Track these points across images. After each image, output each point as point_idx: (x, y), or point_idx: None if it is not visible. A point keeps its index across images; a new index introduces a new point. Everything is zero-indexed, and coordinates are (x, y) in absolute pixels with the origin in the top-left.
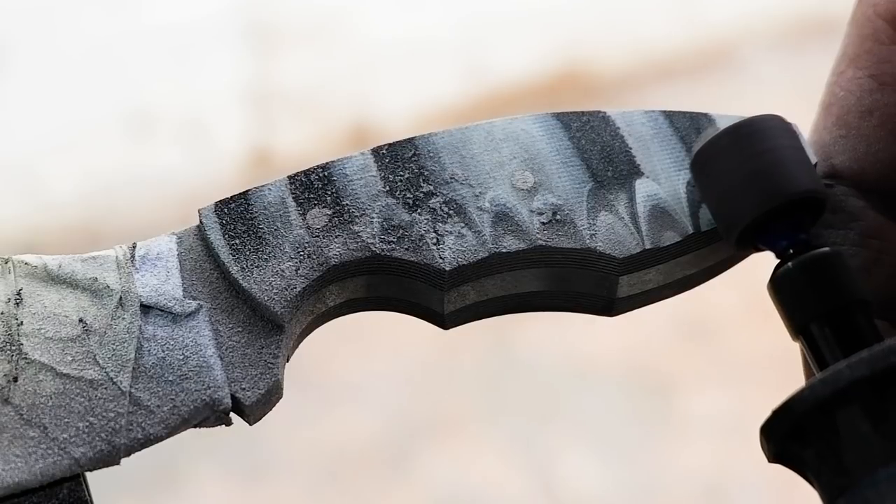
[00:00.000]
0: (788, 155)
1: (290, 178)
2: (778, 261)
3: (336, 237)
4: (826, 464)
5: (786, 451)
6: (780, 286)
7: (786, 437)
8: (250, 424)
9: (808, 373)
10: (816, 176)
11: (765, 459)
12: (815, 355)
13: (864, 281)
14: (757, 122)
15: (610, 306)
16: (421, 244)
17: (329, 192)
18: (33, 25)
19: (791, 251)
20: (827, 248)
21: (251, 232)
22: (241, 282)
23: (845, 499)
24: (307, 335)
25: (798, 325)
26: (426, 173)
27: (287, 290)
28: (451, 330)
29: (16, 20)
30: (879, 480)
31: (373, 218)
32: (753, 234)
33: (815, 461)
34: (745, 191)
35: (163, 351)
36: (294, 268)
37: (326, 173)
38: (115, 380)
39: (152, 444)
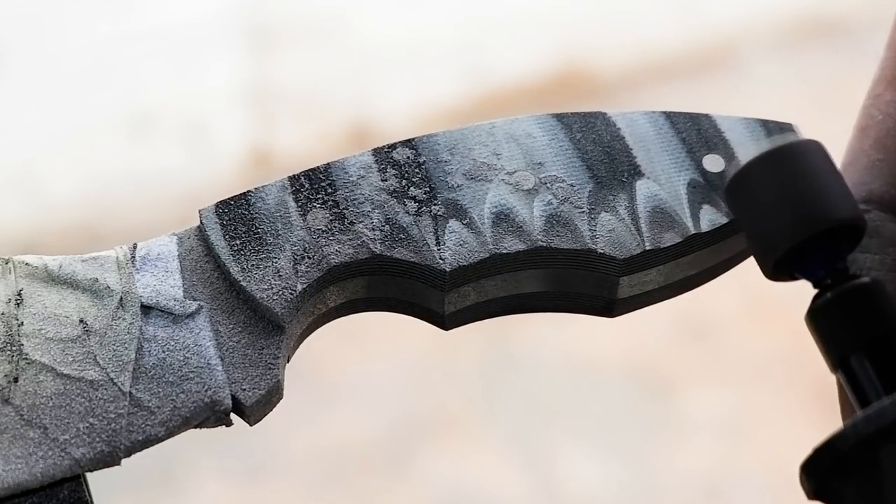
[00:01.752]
0: (826, 181)
1: (290, 178)
2: (815, 291)
3: (336, 238)
4: (868, 500)
5: (826, 489)
6: (818, 317)
7: (827, 474)
8: (250, 425)
9: (845, 404)
10: (854, 202)
11: (765, 459)
12: (855, 389)
13: None
14: (794, 147)
15: (610, 307)
16: (421, 245)
17: (330, 193)
18: (33, 26)
19: (829, 281)
20: (867, 278)
21: (252, 232)
22: (241, 282)
23: None
24: (308, 336)
25: (838, 357)
26: (426, 174)
27: (287, 290)
28: (451, 330)
29: (16, 20)
30: None
31: (373, 219)
32: (790, 262)
33: (857, 498)
34: (782, 218)
35: (163, 351)
36: (294, 268)
37: (327, 174)
38: (115, 380)
39: (153, 445)
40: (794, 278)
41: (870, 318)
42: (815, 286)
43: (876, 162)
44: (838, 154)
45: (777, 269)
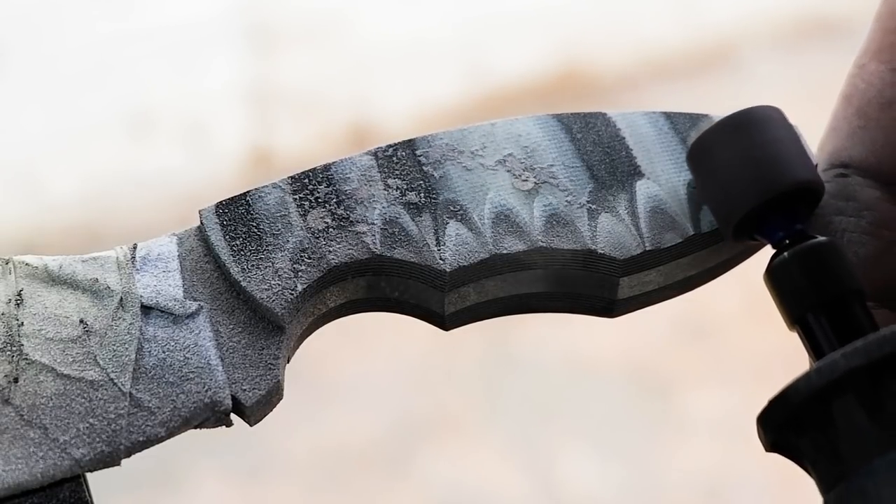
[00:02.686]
0: (785, 145)
1: (290, 178)
2: (774, 251)
3: (337, 238)
4: (822, 453)
5: (782, 441)
6: (776, 276)
7: (782, 426)
8: (251, 425)
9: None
10: (812, 166)
11: (765, 459)
12: (812, 345)
13: (873, 269)
14: (752, 113)
15: (610, 307)
16: (421, 245)
17: (330, 193)
18: (33, 26)
19: (787, 241)
20: (823, 238)
21: (252, 233)
22: (241, 283)
23: (841, 488)
24: (308, 336)
25: (794, 315)
26: (426, 174)
27: (288, 291)
28: (451, 330)
29: (16, 20)
30: (875, 469)
31: (373, 219)
32: (750, 225)
33: (812, 450)
34: (742, 181)
35: (163, 352)
36: (295, 269)
37: (327, 174)
38: (115, 381)
39: (153, 445)
40: (754, 240)
41: (826, 275)
42: (773, 248)
43: (857, 129)
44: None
45: (737, 232)
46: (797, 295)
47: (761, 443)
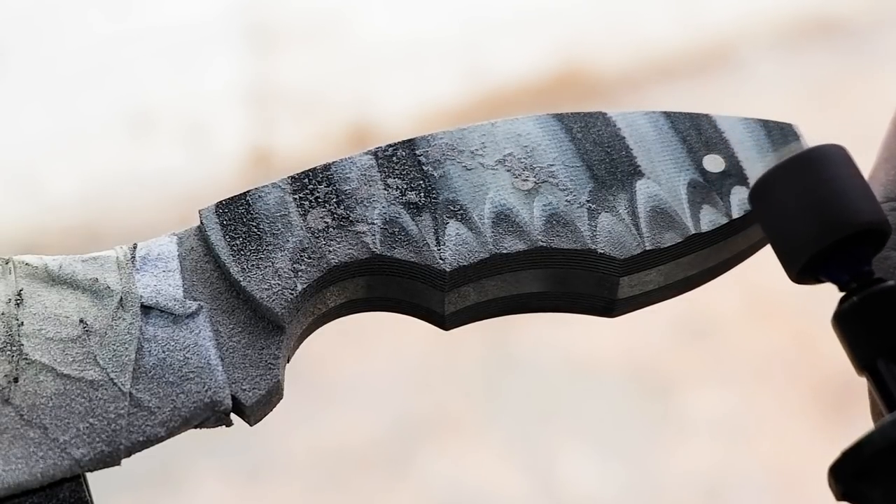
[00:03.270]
0: (850, 185)
1: (290, 178)
2: (841, 294)
3: (337, 238)
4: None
5: (854, 492)
6: (844, 320)
7: (855, 477)
8: (251, 425)
9: (874, 407)
10: (879, 206)
11: (765, 459)
12: (882, 392)
13: None
14: (817, 152)
15: (610, 307)
16: (421, 245)
17: (330, 193)
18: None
19: (854, 284)
20: (892, 282)
21: (252, 233)
22: (241, 282)
23: None
24: (308, 336)
25: (864, 360)
26: (426, 174)
27: (288, 290)
28: (451, 330)
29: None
30: None
31: (373, 219)
32: (816, 266)
33: (885, 501)
34: (808, 223)
35: (163, 352)
36: (294, 269)
37: (327, 174)
38: (115, 380)
39: (153, 445)
40: (819, 281)
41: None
42: (840, 290)
43: None
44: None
45: (802, 274)
46: (867, 340)
47: (832, 492)
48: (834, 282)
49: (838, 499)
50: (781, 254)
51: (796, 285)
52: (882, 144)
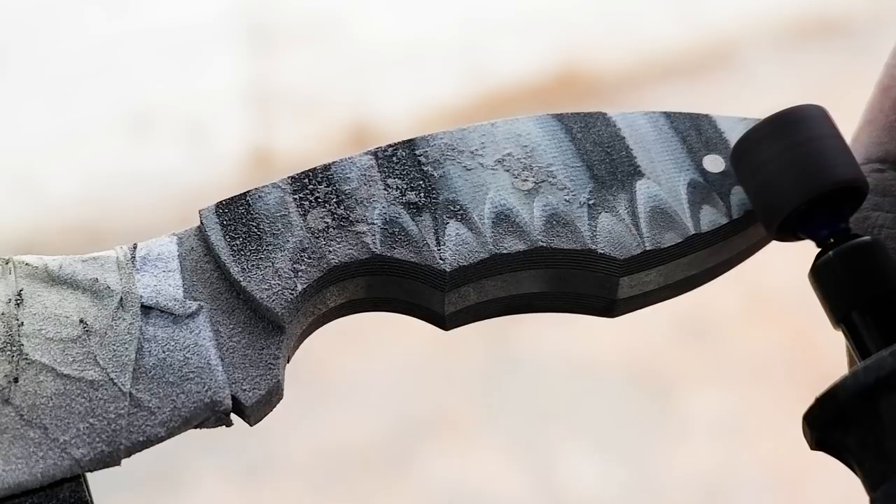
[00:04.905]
0: (829, 144)
1: (290, 178)
2: (819, 249)
3: (337, 238)
4: (868, 451)
5: (828, 439)
6: (821, 274)
7: (828, 424)
8: (251, 425)
9: (851, 361)
10: (856, 165)
11: (765, 459)
12: (857, 343)
13: None
14: (797, 112)
15: (610, 307)
16: (421, 245)
17: (330, 193)
18: (33, 25)
19: (832, 240)
20: (868, 237)
21: (252, 233)
22: (241, 282)
23: (888, 485)
24: (308, 336)
25: (839, 313)
26: (426, 174)
27: (288, 290)
28: (451, 330)
29: (16, 20)
30: None
31: (373, 219)
32: (794, 223)
33: (858, 448)
34: (787, 180)
35: (163, 352)
36: (294, 269)
37: (327, 174)
38: (115, 381)
39: (153, 445)
40: (797, 238)
41: (871, 273)
42: (818, 246)
43: (894, 123)
44: None
45: (781, 230)
46: (842, 293)
47: (807, 441)
48: (812, 238)
49: (813, 447)
50: (761, 210)
51: (796, 285)
52: (865, 108)
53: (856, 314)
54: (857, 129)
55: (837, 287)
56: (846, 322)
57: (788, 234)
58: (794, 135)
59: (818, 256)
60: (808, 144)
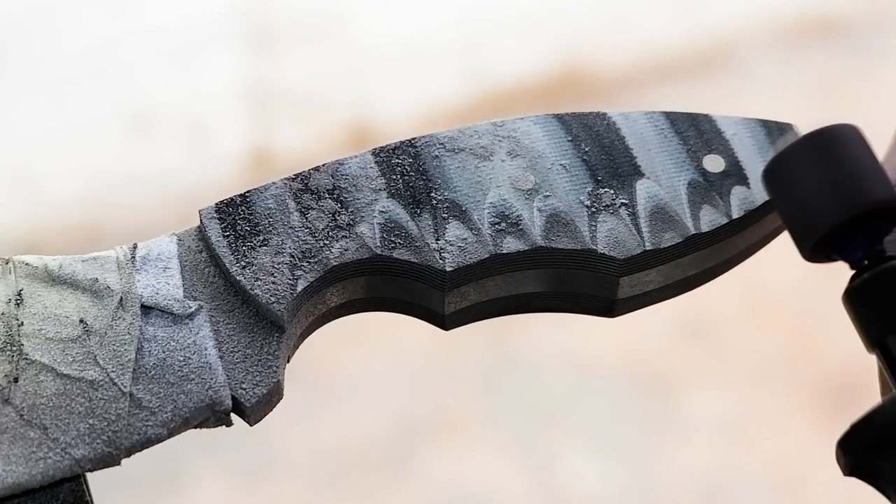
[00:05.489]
0: (864, 164)
1: (290, 178)
2: (853, 272)
3: (337, 238)
4: None
5: (863, 465)
6: (855, 297)
7: (864, 450)
8: (251, 425)
9: (884, 386)
10: (892, 186)
11: (765, 459)
12: (893, 368)
13: None
14: (832, 131)
15: (610, 307)
16: (421, 245)
17: (330, 193)
18: (33, 25)
19: (866, 262)
20: None
21: (252, 233)
22: (241, 282)
23: None
24: (308, 336)
25: (874, 337)
26: (426, 174)
27: (288, 290)
28: (451, 330)
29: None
30: None
31: (374, 219)
32: (828, 244)
33: (894, 474)
34: (822, 200)
35: (163, 352)
36: (295, 269)
37: (328, 174)
38: (115, 380)
39: (153, 445)
40: (831, 259)
41: None
42: (852, 267)
43: None
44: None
45: (815, 251)
46: (878, 317)
47: (839, 466)
48: (846, 259)
49: (846, 473)
50: (794, 231)
51: (796, 285)
52: None
53: (892, 338)
54: (888, 150)
55: (872, 310)
56: (881, 346)
57: (822, 255)
58: (829, 155)
59: (853, 279)
60: (844, 165)
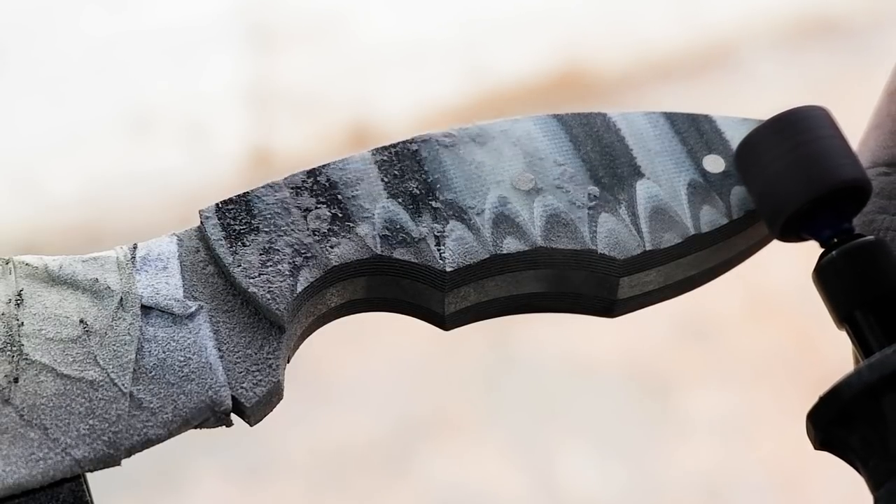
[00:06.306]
0: (832, 144)
1: (290, 178)
2: (822, 250)
3: (337, 238)
4: (872, 449)
5: (832, 438)
6: (824, 274)
7: (832, 423)
8: (251, 425)
9: (856, 362)
10: (859, 165)
11: (765, 459)
12: (861, 342)
13: None
14: (800, 112)
15: (610, 307)
16: (422, 245)
17: (330, 194)
18: (33, 25)
19: (835, 240)
20: (871, 237)
21: (252, 233)
22: (241, 282)
23: (892, 483)
24: (308, 336)
25: (843, 312)
26: (426, 174)
27: (288, 290)
28: (451, 330)
29: (16, 20)
30: None
31: (374, 219)
32: (798, 223)
33: (862, 447)
34: (791, 180)
35: (163, 352)
36: (295, 269)
37: (327, 174)
38: (115, 381)
39: (153, 445)
40: (801, 238)
41: (874, 273)
42: (821, 246)
43: None
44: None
45: (784, 231)
46: (846, 293)
47: (810, 440)
48: (815, 238)
49: (816, 447)
50: (764, 211)
51: (796, 285)
52: (873, 112)
53: (859, 314)
54: (864, 134)
55: (841, 287)
56: (850, 321)
57: (792, 234)
58: (797, 136)
59: (821, 256)
60: (811, 145)
